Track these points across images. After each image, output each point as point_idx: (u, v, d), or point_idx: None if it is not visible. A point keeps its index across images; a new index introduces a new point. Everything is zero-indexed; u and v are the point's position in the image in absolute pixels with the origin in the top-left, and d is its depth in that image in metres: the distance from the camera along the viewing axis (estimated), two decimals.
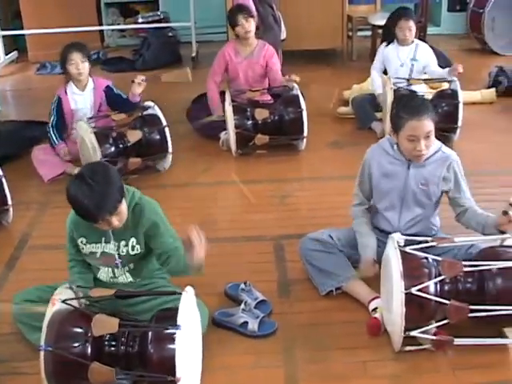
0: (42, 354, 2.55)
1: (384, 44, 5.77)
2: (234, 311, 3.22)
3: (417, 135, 3.16)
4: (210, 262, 3.51)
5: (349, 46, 7.89)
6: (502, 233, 3.12)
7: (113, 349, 2.65)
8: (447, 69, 5.43)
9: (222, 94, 5.39)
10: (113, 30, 9.10)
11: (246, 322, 3.15)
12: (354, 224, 3.53)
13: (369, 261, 3.34)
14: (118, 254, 3.01)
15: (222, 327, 3.20)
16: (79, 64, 4.85)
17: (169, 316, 2.58)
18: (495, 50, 8.33)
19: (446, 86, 5.70)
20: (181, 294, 2.64)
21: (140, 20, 8.82)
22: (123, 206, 2.83)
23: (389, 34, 5.71)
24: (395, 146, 3.34)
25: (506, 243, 3.14)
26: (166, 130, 4.83)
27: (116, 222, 2.81)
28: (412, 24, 5.52)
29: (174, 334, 2.50)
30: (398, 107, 3.30)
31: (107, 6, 9.08)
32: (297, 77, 5.21)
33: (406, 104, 3.25)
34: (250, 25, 5.34)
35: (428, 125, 3.16)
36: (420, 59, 5.58)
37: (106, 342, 2.65)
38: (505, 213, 3.03)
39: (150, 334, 2.59)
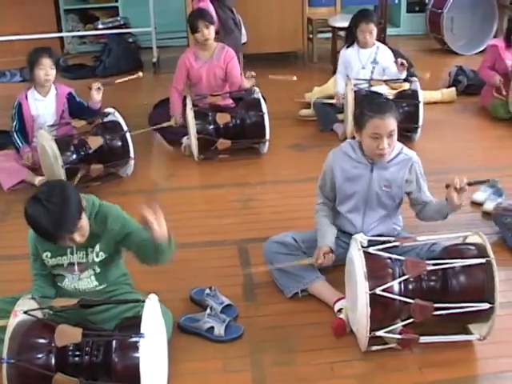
0: (4, 366, 2.52)
1: (345, 47, 5.79)
2: (199, 316, 3.21)
3: (380, 133, 3.18)
4: (174, 268, 3.54)
5: (309, 49, 7.92)
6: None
7: (77, 359, 2.62)
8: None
9: (184, 99, 5.37)
10: (73, 37, 9.02)
11: (213, 327, 3.15)
12: (315, 217, 3.54)
13: (324, 249, 3.34)
14: (86, 262, 2.98)
15: (189, 333, 3.18)
16: (48, 70, 4.80)
17: (132, 324, 2.57)
18: (454, 50, 8.44)
19: (406, 86, 5.75)
20: (144, 301, 2.62)
21: (100, 26, 8.76)
22: (84, 222, 2.81)
23: (350, 37, 5.74)
24: (357, 149, 3.36)
25: (468, 240, 3.18)
26: (128, 135, 4.81)
27: (78, 237, 2.80)
28: (373, 27, 5.55)
29: (138, 342, 2.48)
30: (361, 105, 3.33)
31: (66, 12, 8.99)
32: (252, 72, 5.20)
33: (370, 102, 3.30)
34: (209, 32, 5.33)
35: (391, 123, 3.19)
36: (380, 61, 5.62)
37: (70, 352, 2.62)
38: (447, 186, 3.10)
39: (113, 343, 2.57)
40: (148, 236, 2.84)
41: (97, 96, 4.84)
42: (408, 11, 9.44)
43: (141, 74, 5.21)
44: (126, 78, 5.29)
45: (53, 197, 2.71)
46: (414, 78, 5.51)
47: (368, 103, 3.30)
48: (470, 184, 3.12)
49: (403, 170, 3.36)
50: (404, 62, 5.35)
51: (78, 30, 9.01)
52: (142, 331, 2.50)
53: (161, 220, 2.75)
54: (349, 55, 5.71)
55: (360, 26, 5.56)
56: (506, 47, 5.96)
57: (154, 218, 2.72)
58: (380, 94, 3.18)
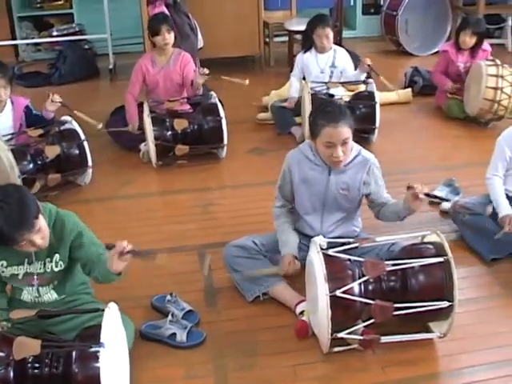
0: None
1: (302, 52, 5.80)
2: (161, 323, 3.20)
3: (333, 142, 3.18)
4: (135, 276, 3.51)
5: (266, 52, 7.94)
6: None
7: (36, 371, 2.59)
8: (357, 69, 5.53)
9: (141, 105, 5.34)
10: (27, 44, 8.91)
11: (174, 334, 3.14)
12: (275, 223, 3.55)
13: (288, 257, 3.36)
14: (44, 272, 2.95)
15: (151, 340, 3.17)
16: (1, 91, 4.60)
17: (92, 334, 2.54)
18: (410, 51, 8.54)
19: (362, 87, 5.80)
20: (104, 310, 2.60)
21: (55, 33, 8.67)
22: (42, 223, 2.77)
23: (307, 42, 5.75)
24: (316, 151, 3.37)
25: (426, 240, 3.21)
26: (85, 143, 4.76)
27: (39, 239, 2.76)
28: (329, 31, 5.57)
29: (98, 351, 2.46)
30: (315, 114, 3.32)
31: (20, 19, 8.86)
32: (205, 69, 5.19)
33: (323, 110, 3.26)
34: (170, 37, 5.33)
35: (345, 131, 3.18)
36: (339, 65, 5.65)
37: (29, 365, 2.59)
38: (408, 188, 3.11)
39: (73, 353, 2.54)
40: (103, 257, 2.83)
41: (51, 107, 4.74)
42: (363, 13, 9.52)
43: (247, 81, 5.15)
44: (232, 79, 5.23)
45: (8, 197, 2.67)
46: (370, 80, 5.56)
47: (321, 111, 3.26)
48: (427, 194, 3.13)
49: (361, 172, 3.37)
50: (369, 62, 5.39)
51: (33, 38, 8.89)
52: (101, 341, 2.47)
53: (127, 257, 2.72)
54: (307, 60, 5.73)
55: (316, 31, 5.57)
56: (456, 51, 6.06)
57: (124, 251, 2.69)
58: (334, 101, 3.17)
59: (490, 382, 2.93)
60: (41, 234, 2.77)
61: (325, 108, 3.29)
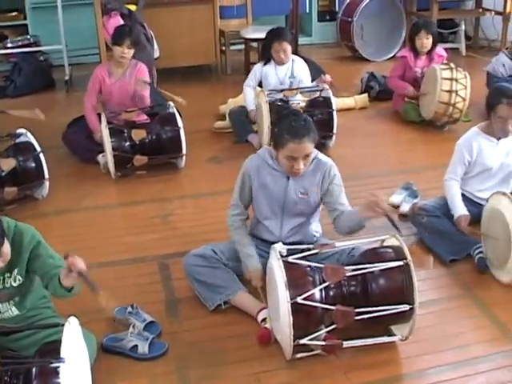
0: None
1: (261, 63, 5.80)
2: (122, 336, 3.17)
3: (296, 156, 3.20)
4: None
5: (223, 61, 7.94)
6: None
7: None
8: (315, 82, 5.58)
9: (98, 116, 5.31)
10: None
11: (136, 346, 3.11)
12: (232, 233, 3.55)
13: (258, 270, 3.38)
14: (3, 288, 2.90)
15: (113, 353, 3.14)
16: None
17: (52, 349, 2.50)
18: (365, 57, 8.62)
19: (317, 94, 5.82)
20: (63, 325, 2.57)
21: (9, 45, 8.55)
22: (5, 249, 2.74)
23: (266, 55, 5.75)
24: (275, 157, 3.37)
25: (385, 243, 3.23)
26: (41, 156, 4.71)
27: (0, 263, 2.74)
28: (286, 46, 5.56)
29: (59, 367, 2.43)
30: (280, 126, 3.29)
31: None
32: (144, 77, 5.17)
33: (289, 124, 3.23)
34: (129, 52, 5.32)
35: (308, 147, 3.20)
36: (297, 75, 5.68)
37: None
38: (371, 201, 3.13)
39: (33, 369, 2.50)
40: (58, 270, 2.81)
41: None
42: (319, 20, 9.58)
43: (40, 115, 5.09)
44: (22, 114, 5.16)
45: None
46: (325, 86, 5.58)
47: (287, 125, 3.23)
48: (386, 215, 3.15)
49: (318, 175, 3.38)
50: (329, 79, 5.43)
51: None
52: (62, 356, 2.44)
53: (74, 275, 2.70)
54: (266, 71, 5.73)
55: (273, 46, 5.58)
56: (414, 57, 6.13)
57: (71, 268, 2.67)
58: (300, 115, 3.18)
59: (452, 382, 2.96)
60: (3, 257, 2.75)
61: (290, 122, 3.25)
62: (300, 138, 3.16)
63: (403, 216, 4.35)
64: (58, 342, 2.49)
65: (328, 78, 5.53)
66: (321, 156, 3.43)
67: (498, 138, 4.02)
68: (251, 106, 5.76)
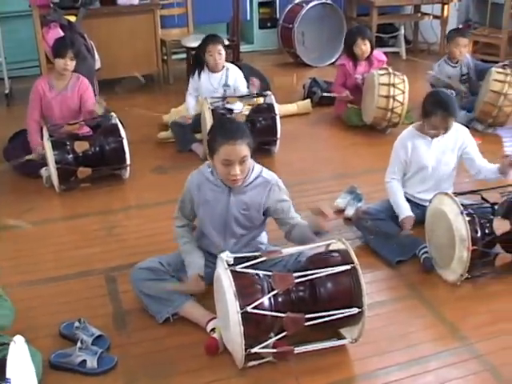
0: None
1: (196, 73, 5.80)
2: (70, 351, 3.13)
3: (231, 159, 3.16)
4: (41, 304, 3.44)
5: (165, 70, 7.91)
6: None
7: None
8: (249, 89, 5.65)
9: (40, 129, 5.23)
10: None
11: (85, 360, 3.07)
12: (178, 244, 3.54)
13: (194, 277, 3.36)
14: None
15: (61, 369, 3.08)
16: None
17: None
18: (307, 63, 8.68)
19: (261, 100, 5.85)
20: (9, 344, 2.52)
21: None
22: None
23: (199, 62, 5.76)
24: (215, 172, 3.35)
25: (332, 247, 3.25)
26: None
27: None
28: (221, 48, 5.59)
29: None
30: (213, 131, 3.30)
31: None
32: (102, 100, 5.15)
33: (222, 128, 3.25)
34: (71, 64, 5.28)
35: (243, 149, 3.16)
36: (231, 84, 5.69)
37: None
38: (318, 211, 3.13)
39: None
40: None
41: None
42: (260, 27, 9.61)
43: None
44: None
45: None
46: (268, 92, 5.62)
47: (220, 129, 3.25)
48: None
49: (262, 193, 3.36)
50: (256, 81, 5.46)
51: None
52: (7, 376, 2.39)
53: None
54: (200, 80, 5.74)
55: (207, 48, 5.59)
56: (353, 64, 6.20)
57: None
58: (233, 119, 3.18)
59: (401, 382, 2.99)
60: None
61: (223, 125, 3.28)
62: (234, 140, 3.14)
63: (348, 220, 4.38)
64: (3, 362, 2.44)
65: (255, 80, 5.56)
66: (265, 173, 3.40)
67: (432, 137, 4.09)
68: (190, 111, 5.82)
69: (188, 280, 3.39)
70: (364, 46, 6.10)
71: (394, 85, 5.78)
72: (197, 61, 5.85)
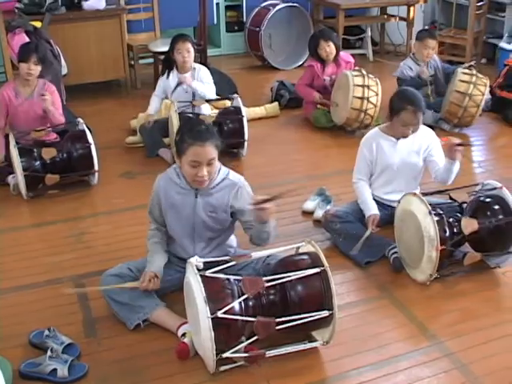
0: None
1: (165, 76, 5.78)
2: (40, 360, 3.10)
3: (199, 161, 3.17)
4: (10, 313, 3.41)
5: (132, 75, 7.88)
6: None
7: None
8: None
9: (7, 136, 5.18)
10: None
11: (55, 369, 3.04)
12: (147, 244, 3.53)
13: (149, 274, 3.34)
14: None
15: (31, 379, 3.05)
16: None
17: None
18: (275, 66, 8.66)
19: (228, 103, 5.84)
20: None
21: None
22: None
23: (168, 64, 5.75)
24: (182, 175, 3.35)
25: (301, 250, 3.25)
26: None
27: None
28: (189, 46, 5.57)
29: None
30: (182, 132, 3.30)
31: None
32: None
33: (191, 129, 3.25)
34: (36, 69, 5.21)
35: (211, 151, 3.18)
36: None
37: None
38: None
39: None
40: None
41: None
42: (227, 31, 9.58)
43: None
44: None
45: None
46: (235, 95, 5.61)
47: (189, 130, 3.25)
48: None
49: (228, 195, 3.36)
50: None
51: None
52: None
53: None
54: (169, 81, 5.72)
55: (177, 46, 5.56)
56: (321, 65, 6.22)
57: None
58: (201, 121, 3.18)
59: (374, 382, 3.01)
60: None
61: (192, 127, 3.29)
62: (203, 141, 3.15)
63: (317, 222, 4.39)
64: None
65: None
66: (232, 175, 3.41)
67: (397, 138, 4.12)
68: (150, 112, 5.82)
69: (142, 276, 3.37)
70: (328, 48, 6.12)
71: (368, 86, 5.80)
72: (167, 61, 5.83)
